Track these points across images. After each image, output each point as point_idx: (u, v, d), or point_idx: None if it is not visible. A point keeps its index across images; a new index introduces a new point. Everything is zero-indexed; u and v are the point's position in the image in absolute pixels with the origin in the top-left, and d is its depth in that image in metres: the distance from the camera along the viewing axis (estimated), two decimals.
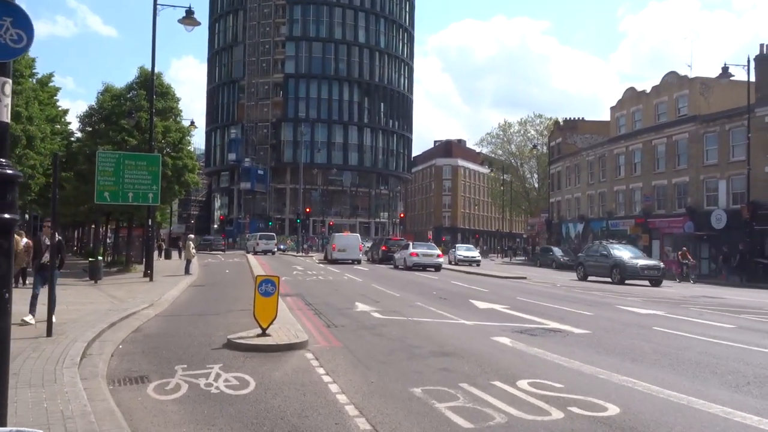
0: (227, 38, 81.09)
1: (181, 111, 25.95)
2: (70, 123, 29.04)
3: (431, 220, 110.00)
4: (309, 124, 73.19)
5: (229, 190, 79.13)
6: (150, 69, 22.59)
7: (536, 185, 78.53)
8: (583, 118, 59.84)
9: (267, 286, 9.27)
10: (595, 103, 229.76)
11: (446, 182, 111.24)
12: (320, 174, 74.35)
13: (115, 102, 24.43)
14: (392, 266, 32.70)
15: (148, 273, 20.77)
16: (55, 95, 25.33)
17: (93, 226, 24.98)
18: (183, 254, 24.84)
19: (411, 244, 32.20)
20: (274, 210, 74.76)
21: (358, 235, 39.60)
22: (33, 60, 22.33)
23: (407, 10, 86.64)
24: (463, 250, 41.77)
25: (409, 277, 25.04)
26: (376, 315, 12.51)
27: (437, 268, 30.00)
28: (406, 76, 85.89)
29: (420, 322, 11.55)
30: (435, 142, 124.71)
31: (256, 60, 77.34)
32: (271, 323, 9.33)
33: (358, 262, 35.61)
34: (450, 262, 38.40)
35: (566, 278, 28.73)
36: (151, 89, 21.67)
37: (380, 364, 7.79)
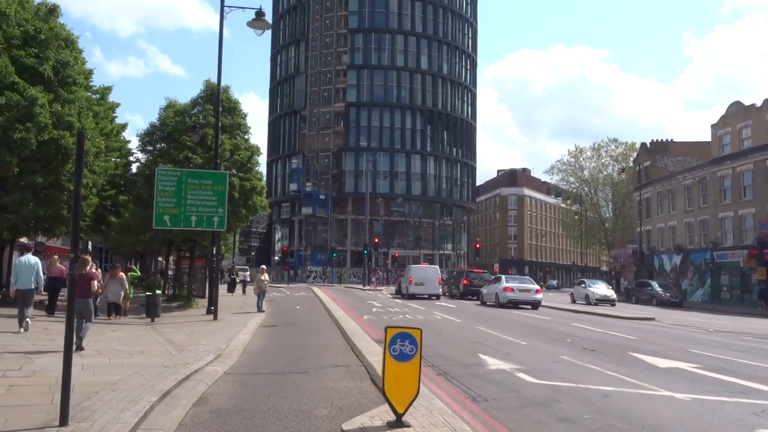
0: (289, 69, 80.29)
1: (249, 128, 23.24)
2: (129, 141, 26.91)
3: (496, 252, 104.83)
4: (372, 153, 70.64)
5: (290, 222, 77.15)
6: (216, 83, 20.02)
7: (610, 214, 73.24)
8: (672, 139, 54.74)
9: (404, 345, 5.86)
10: (660, 129, 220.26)
11: (511, 212, 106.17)
12: (383, 204, 71.38)
13: (179, 118, 21.92)
14: (478, 302, 28.79)
15: (212, 310, 17.83)
16: (114, 110, 23.17)
17: (157, 256, 22.30)
18: (255, 286, 21.87)
19: (503, 277, 28.13)
20: (335, 241, 72.10)
21: (437, 267, 35.67)
22: (91, 71, 20.13)
23: (470, 35, 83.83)
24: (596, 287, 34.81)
25: (510, 316, 21.12)
26: (526, 378, 8.86)
27: (535, 305, 25.89)
28: (469, 102, 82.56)
29: (607, 395, 7.81)
30: (498, 171, 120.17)
31: (318, 89, 76.06)
32: (411, 404, 5.86)
33: (438, 297, 31.79)
34: (573, 301, 34.82)
35: (682, 316, 26.03)
36: (217, 101, 19.00)
37: None
